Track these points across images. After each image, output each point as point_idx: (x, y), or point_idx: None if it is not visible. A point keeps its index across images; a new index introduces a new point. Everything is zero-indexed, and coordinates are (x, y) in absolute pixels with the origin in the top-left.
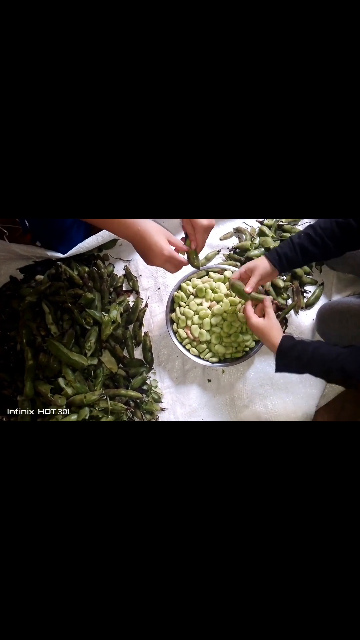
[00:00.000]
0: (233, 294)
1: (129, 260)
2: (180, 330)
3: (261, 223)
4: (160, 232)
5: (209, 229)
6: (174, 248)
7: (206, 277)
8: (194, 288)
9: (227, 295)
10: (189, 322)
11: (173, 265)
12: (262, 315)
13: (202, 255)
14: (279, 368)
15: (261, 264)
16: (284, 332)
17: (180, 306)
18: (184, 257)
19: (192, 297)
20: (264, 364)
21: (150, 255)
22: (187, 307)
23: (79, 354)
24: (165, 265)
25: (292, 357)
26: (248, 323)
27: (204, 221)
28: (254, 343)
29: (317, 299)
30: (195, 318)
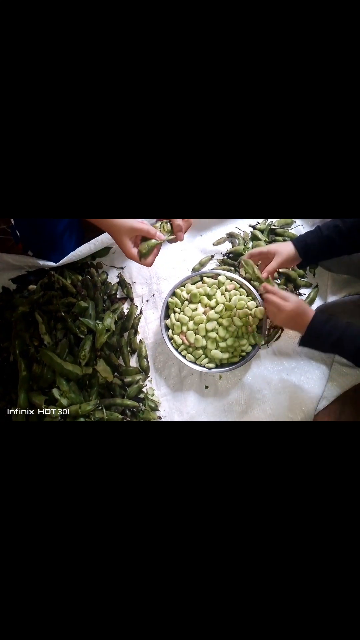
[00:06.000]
0: (228, 298)
1: (122, 268)
2: (176, 337)
3: (253, 227)
4: (124, 229)
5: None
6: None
7: (200, 282)
8: (188, 294)
9: (222, 303)
10: (184, 328)
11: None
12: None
13: (195, 261)
14: (306, 341)
15: (285, 250)
16: (279, 336)
17: (174, 312)
18: (147, 258)
19: (186, 302)
20: (261, 369)
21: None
22: (181, 313)
23: (73, 363)
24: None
25: (324, 331)
26: (278, 300)
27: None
28: (250, 347)
29: (312, 301)
30: (191, 324)
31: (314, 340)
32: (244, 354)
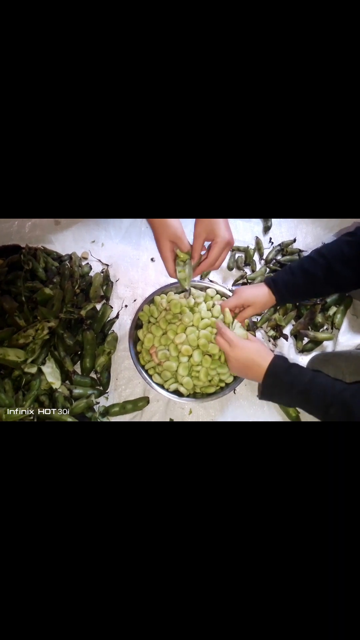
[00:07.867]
0: (213, 315)
1: (108, 265)
2: (145, 352)
3: (262, 258)
4: (166, 233)
5: (228, 245)
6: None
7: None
8: (168, 303)
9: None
10: (156, 343)
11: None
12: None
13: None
14: (265, 393)
15: (259, 300)
16: None
17: (149, 322)
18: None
19: (164, 312)
20: (238, 411)
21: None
22: (156, 324)
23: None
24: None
25: (285, 381)
26: (225, 345)
27: (224, 237)
28: (231, 378)
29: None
30: (163, 339)
31: (272, 391)
32: (222, 384)
